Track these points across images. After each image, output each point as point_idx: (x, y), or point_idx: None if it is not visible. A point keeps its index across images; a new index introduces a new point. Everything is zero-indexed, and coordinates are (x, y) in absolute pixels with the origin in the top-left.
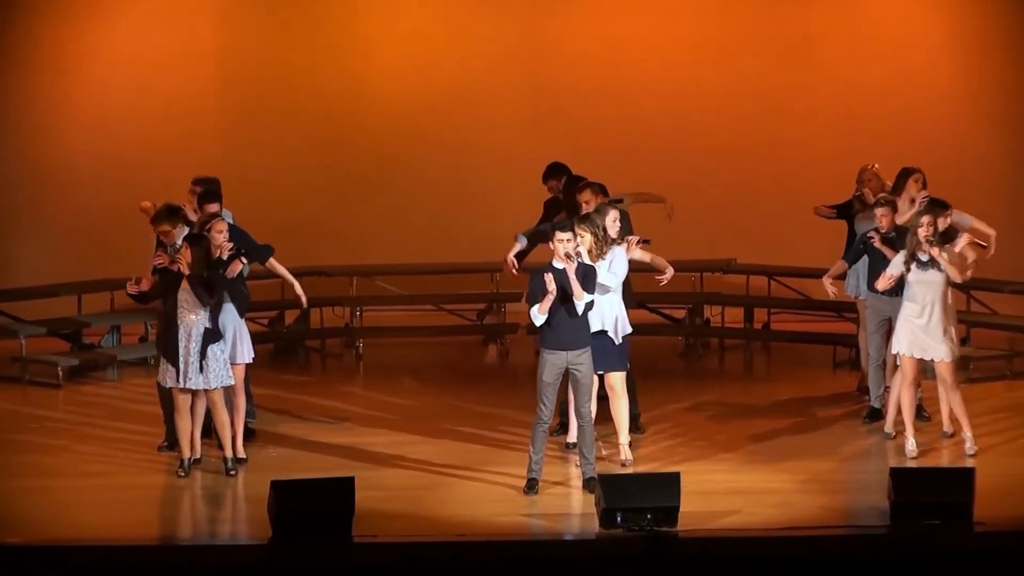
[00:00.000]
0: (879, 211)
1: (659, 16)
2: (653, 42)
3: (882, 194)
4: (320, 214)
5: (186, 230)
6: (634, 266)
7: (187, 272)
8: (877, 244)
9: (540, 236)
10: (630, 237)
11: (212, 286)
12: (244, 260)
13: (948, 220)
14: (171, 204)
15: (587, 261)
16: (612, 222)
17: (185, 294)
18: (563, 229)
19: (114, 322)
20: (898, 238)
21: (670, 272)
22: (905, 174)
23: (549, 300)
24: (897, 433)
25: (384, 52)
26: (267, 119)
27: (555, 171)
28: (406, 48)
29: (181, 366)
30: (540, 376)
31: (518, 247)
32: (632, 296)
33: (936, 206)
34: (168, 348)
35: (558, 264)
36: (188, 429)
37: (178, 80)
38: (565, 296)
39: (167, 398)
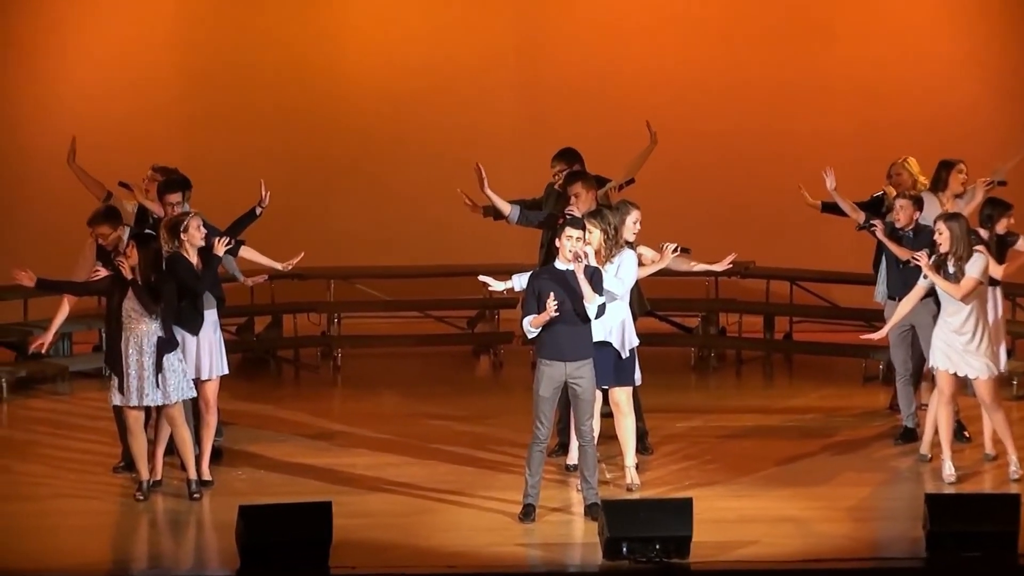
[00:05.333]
0: (899, 203)
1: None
2: (660, 35)
3: (910, 190)
4: (295, 212)
5: (127, 231)
6: (666, 272)
7: (130, 277)
8: (879, 235)
9: (532, 218)
10: (667, 245)
11: (159, 292)
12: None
13: (1010, 221)
14: (110, 204)
15: (592, 262)
16: (632, 223)
17: (131, 302)
18: (575, 225)
19: (65, 329)
20: (916, 237)
21: (719, 266)
22: (947, 167)
23: (546, 318)
24: (934, 455)
25: (366, 47)
26: (239, 114)
27: (564, 155)
28: (389, 42)
29: (134, 381)
30: (537, 390)
31: (504, 208)
32: (643, 302)
33: (997, 206)
34: (114, 362)
35: (560, 264)
36: (144, 450)
37: (143, 79)
38: (566, 301)
39: (121, 416)
